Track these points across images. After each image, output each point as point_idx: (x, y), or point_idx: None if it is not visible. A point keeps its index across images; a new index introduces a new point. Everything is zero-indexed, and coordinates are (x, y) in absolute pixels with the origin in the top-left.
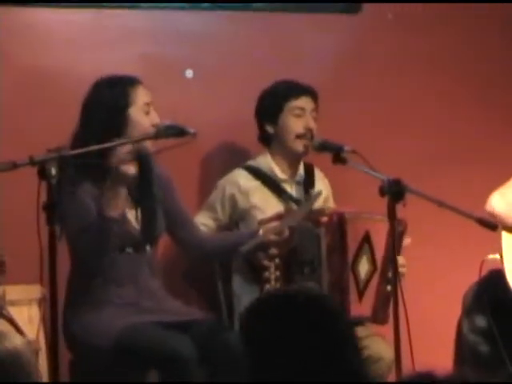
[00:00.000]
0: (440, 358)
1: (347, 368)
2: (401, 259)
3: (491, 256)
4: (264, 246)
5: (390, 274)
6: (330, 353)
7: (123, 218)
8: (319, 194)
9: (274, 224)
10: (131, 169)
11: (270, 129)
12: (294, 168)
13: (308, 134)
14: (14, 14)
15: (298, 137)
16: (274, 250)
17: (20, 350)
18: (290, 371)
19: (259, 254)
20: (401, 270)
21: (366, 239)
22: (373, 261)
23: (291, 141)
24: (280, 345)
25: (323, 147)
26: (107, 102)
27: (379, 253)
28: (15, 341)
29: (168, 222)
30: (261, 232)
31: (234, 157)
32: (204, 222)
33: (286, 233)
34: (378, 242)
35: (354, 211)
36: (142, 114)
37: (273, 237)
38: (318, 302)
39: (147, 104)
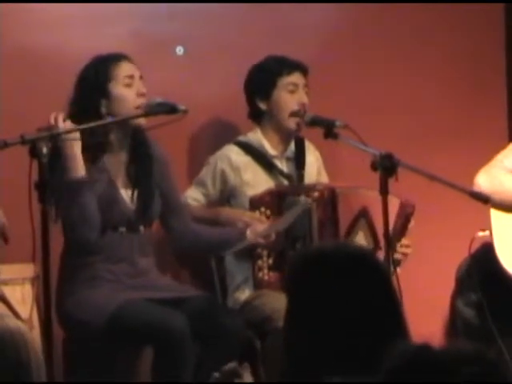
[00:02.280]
0: (434, 331)
1: (395, 322)
2: (406, 240)
3: (481, 233)
4: (250, 248)
5: (395, 255)
6: (378, 307)
7: (115, 199)
8: (308, 202)
9: (262, 228)
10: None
11: (262, 105)
12: (284, 144)
13: (301, 110)
14: None
15: (292, 114)
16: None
17: (22, 328)
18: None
19: None
20: (405, 250)
21: (363, 215)
22: (373, 238)
23: (285, 118)
24: (327, 301)
25: (315, 122)
26: (89, 79)
27: (381, 231)
28: (14, 320)
29: (161, 207)
30: (248, 233)
31: (223, 133)
32: (194, 196)
33: (273, 237)
34: (379, 220)
35: (346, 186)
36: (123, 87)
37: (260, 240)
38: (367, 260)
39: (129, 76)
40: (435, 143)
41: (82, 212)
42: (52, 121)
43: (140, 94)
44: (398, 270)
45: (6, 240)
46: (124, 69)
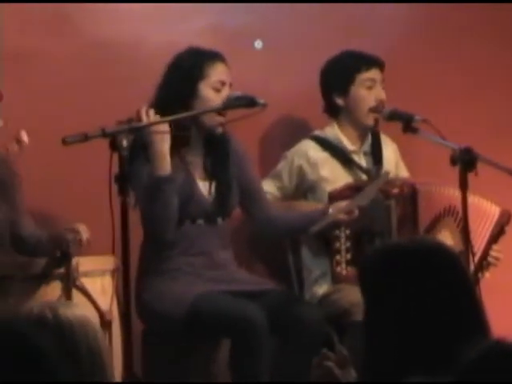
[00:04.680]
0: None
1: (475, 318)
2: (497, 246)
3: None
4: (334, 226)
5: (486, 261)
6: (457, 302)
7: (192, 191)
8: (388, 172)
9: (344, 203)
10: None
11: (339, 100)
12: (362, 138)
13: (380, 106)
14: None
15: (371, 110)
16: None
17: (90, 318)
18: (415, 322)
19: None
20: (498, 254)
21: (451, 214)
22: (464, 239)
23: (363, 114)
24: (405, 296)
25: (394, 116)
26: (181, 71)
27: (476, 236)
28: (85, 310)
29: (241, 198)
30: (330, 211)
31: (298, 127)
32: (269, 190)
33: (356, 212)
34: (476, 224)
35: (428, 182)
36: (212, 90)
37: (342, 216)
38: (445, 254)
39: (221, 82)
40: None
41: (164, 211)
42: (141, 114)
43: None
44: (487, 274)
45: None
46: (218, 71)
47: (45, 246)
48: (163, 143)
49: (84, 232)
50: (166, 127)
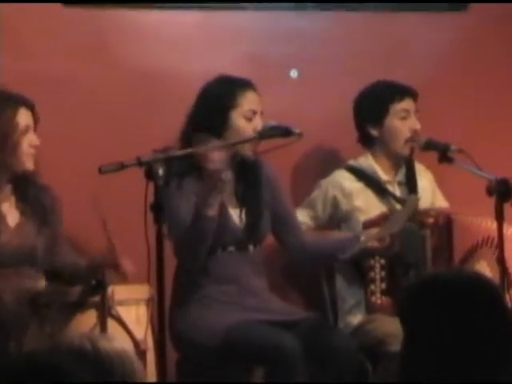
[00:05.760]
0: None
1: None
2: None
3: None
4: (366, 253)
5: None
6: (496, 336)
7: (223, 218)
8: (416, 197)
9: (375, 231)
10: (228, 175)
11: (373, 131)
12: (396, 168)
13: (415, 137)
14: (121, 16)
15: (407, 141)
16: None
17: (128, 352)
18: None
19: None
20: None
21: (488, 244)
22: (501, 270)
23: (399, 144)
24: (444, 327)
25: (429, 146)
26: (211, 101)
27: None
28: (123, 342)
29: (274, 224)
30: (362, 238)
31: (331, 157)
32: (303, 219)
33: (387, 239)
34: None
35: (464, 213)
36: (243, 119)
37: (374, 243)
38: (484, 286)
39: (253, 111)
40: None
41: (200, 246)
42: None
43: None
44: None
45: (123, 275)
46: (249, 100)
47: (82, 275)
48: (225, 185)
49: (129, 266)
50: (222, 155)
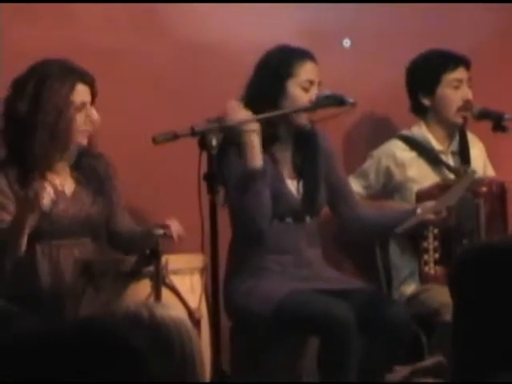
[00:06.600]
0: None
1: None
2: None
3: None
4: (421, 226)
5: None
6: None
7: (281, 189)
8: (475, 171)
9: (432, 203)
10: (254, 125)
11: (425, 101)
12: (449, 138)
13: (467, 106)
14: None
15: (460, 109)
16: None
17: (184, 320)
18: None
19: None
20: None
21: None
22: None
23: (451, 113)
24: (496, 296)
25: (483, 115)
26: (270, 70)
27: None
28: (176, 311)
29: (330, 195)
30: (418, 211)
31: (384, 126)
32: (355, 188)
33: (444, 213)
34: None
35: None
36: (300, 89)
37: (431, 216)
38: None
39: (310, 81)
40: None
41: (258, 202)
42: (229, 109)
43: (310, 102)
44: None
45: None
46: (307, 70)
47: (137, 244)
48: (254, 136)
49: (176, 227)
50: (255, 125)
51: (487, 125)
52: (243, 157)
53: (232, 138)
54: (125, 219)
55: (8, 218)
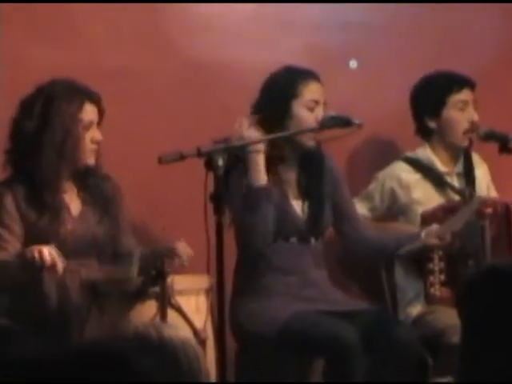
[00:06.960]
0: None
1: None
2: None
3: None
4: (425, 249)
5: None
6: None
7: (286, 209)
8: (482, 197)
9: (436, 227)
10: (259, 147)
11: (430, 123)
12: (454, 159)
13: (473, 128)
14: (180, 9)
15: (466, 132)
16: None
17: (191, 340)
18: None
19: None
20: None
21: None
22: None
23: (457, 136)
24: (503, 318)
25: (489, 137)
26: (275, 90)
27: None
28: (184, 331)
29: (334, 216)
30: (422, 235)
31: (388, 147)
32: (360, 210)
33: (448, 238)
34: None
35: None
36: (305, 109)
37: (435, 241)
38: None
39: (315, 101)
40: None
41: (260, 220)
42: (238, 126)
43: (317, 123)
44: None
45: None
46: (311, 90)
47: (142, 265)
48: (259, 156)
49: (184, 249)
50: (260, 145)
51: (491, 145)
52: (247, 176)
53: (237, 158)
54: (129, 241)
55: (12, 240)
